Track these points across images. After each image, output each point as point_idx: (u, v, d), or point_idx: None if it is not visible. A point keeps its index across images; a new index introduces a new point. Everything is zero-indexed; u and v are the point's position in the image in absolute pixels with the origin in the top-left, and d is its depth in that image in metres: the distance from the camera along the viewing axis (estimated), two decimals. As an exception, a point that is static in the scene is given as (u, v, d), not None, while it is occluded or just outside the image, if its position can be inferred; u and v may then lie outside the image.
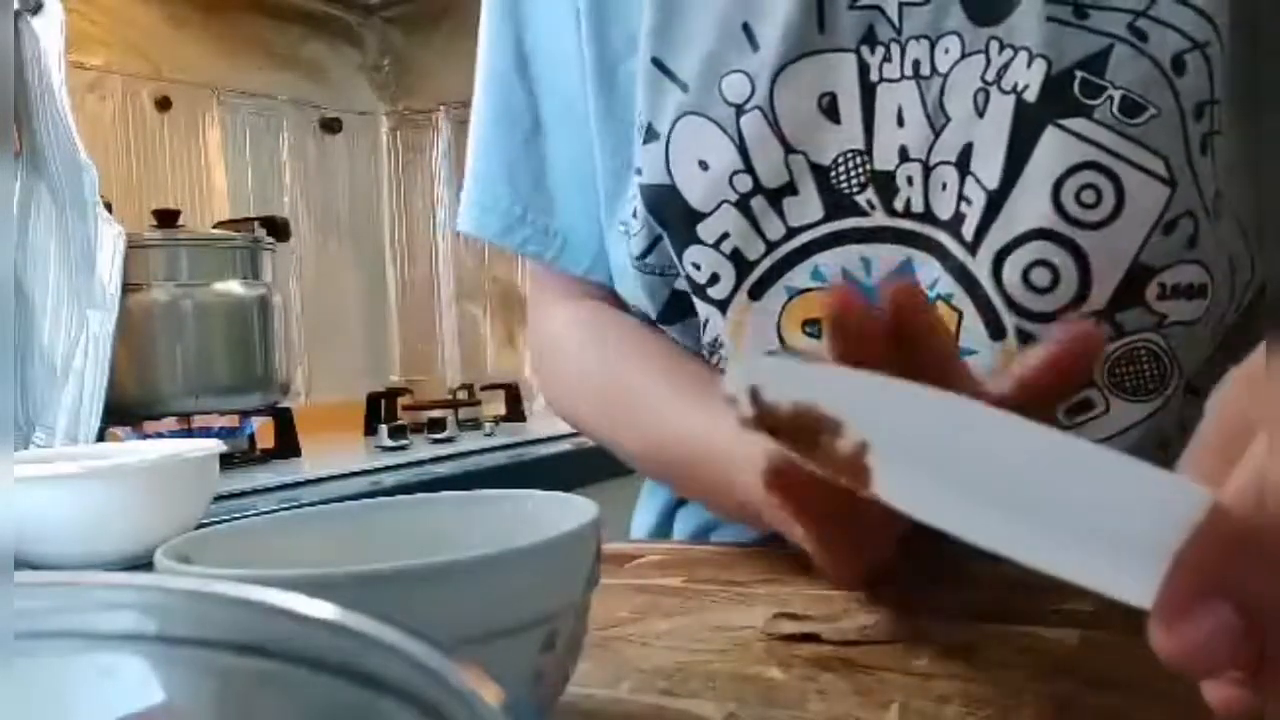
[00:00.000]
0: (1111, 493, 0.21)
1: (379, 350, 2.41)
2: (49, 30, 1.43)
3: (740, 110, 0.59)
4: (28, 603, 0.19)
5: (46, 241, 1.51)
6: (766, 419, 0.22)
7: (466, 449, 1.73)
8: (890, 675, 0.40)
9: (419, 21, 2.35)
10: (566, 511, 0.37)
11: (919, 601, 0.49)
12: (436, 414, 1.88)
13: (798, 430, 0.22)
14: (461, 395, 2.09)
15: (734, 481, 0.54)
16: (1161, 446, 0.59)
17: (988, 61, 0.55)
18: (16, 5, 1.40)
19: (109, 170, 1.77)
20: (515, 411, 2.08)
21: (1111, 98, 0.53)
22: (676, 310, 0.67)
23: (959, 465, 0.22)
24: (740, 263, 0.61)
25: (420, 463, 1.62)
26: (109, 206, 1.53)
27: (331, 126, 2.29)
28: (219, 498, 1.12)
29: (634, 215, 0.65)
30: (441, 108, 2.33)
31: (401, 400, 2.02)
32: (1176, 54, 0.53)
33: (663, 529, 0.77)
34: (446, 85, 2.30)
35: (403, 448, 1.71)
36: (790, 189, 0.59)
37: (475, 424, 1.93)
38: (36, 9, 1.42)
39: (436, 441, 1.79)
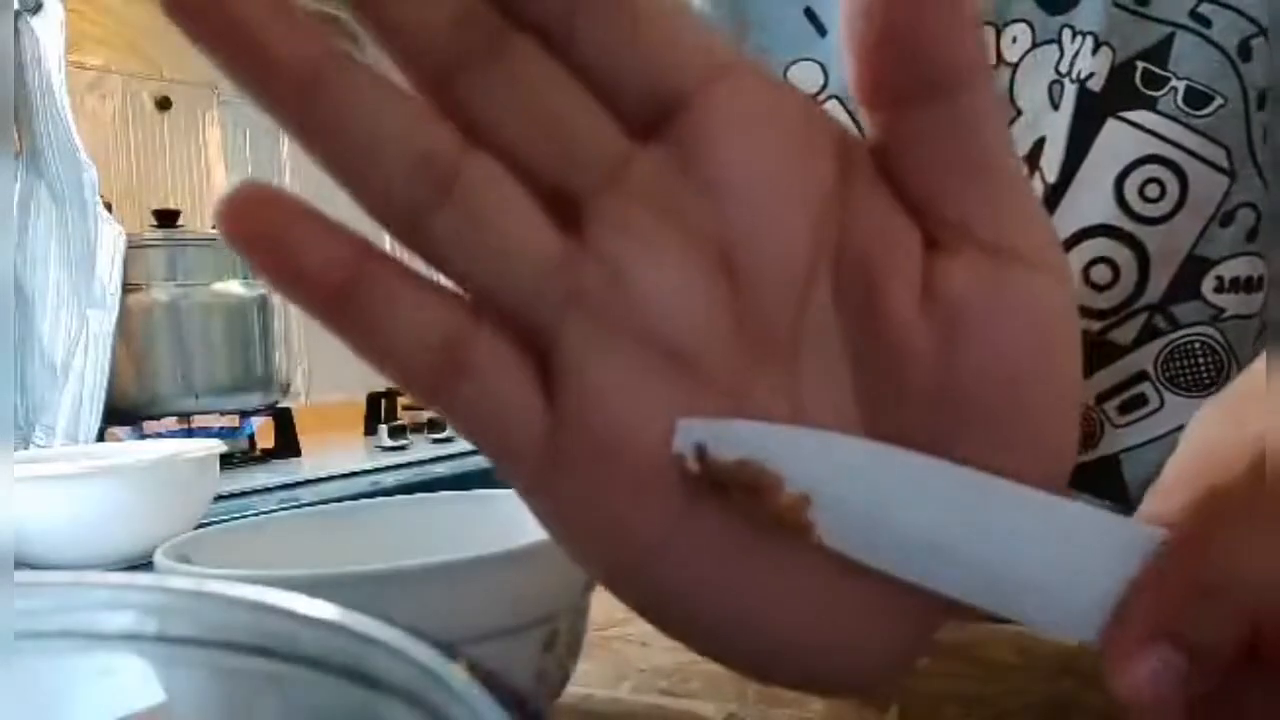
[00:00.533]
0: (1057, 536, 0.23)
1: (379, 350, 2.40)
2: (49, 30, 1.43)
3: (814, 99, 0.57)
4: (28, 603, 0.19)
5: (46, 241, 1.51)
6: (712, 475, 0.23)
7: (466, 449, 1.73)
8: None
9: (419, 21, 2.35)
10: (566, 511, 0.37)
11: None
12: (436, 414, 1.88)
13: (742, 486, 0.23)
14: (461, 395, 2.09)
15: None
16: None
17: (1061, 51, 0.54)
18: (16, 5, 1.40)
19: (109, 170, 1.77)
20: (515, 411, 2.07)
21: (1175, 89, 0.52)
22: None
23: (901, 512, 0.23)
24: None
25: (420, 463, 1.63)
26: (109, 206, 1.53)
27: (331, 126, 2.29)
28: (219, 498, 1.12)
29: None
30: (441, 108, 2.33)
31: (401, 400, 2.02)
32: (1242, 39, 0.52)
33: None
34: (446, 85, 2.30)
35: (403, 448, 1.71)
36: None
37: (475, 424, 1.93)
38: (36, 9, 1.42)
39: (436, 441, 1.79)
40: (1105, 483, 0.56)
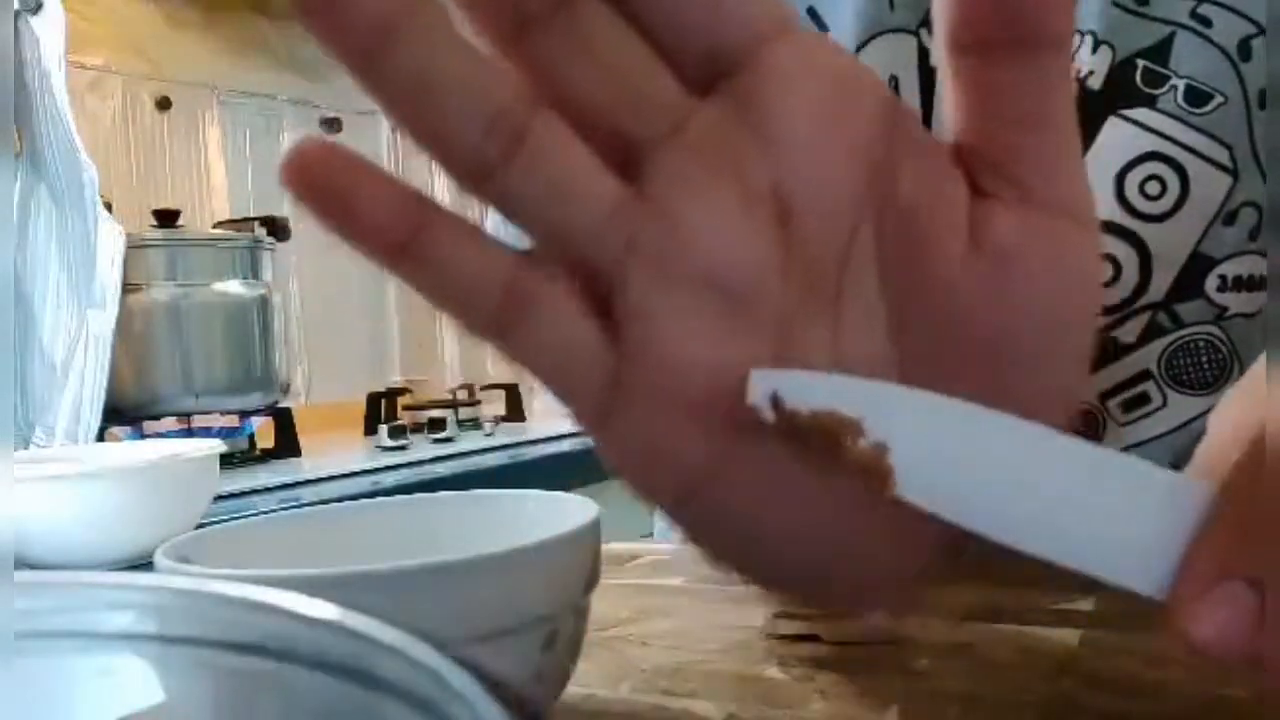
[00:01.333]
0: (1122, 490, 0.23)
1: (379, 350, 2.41)
2: (49, 30, 1.43)
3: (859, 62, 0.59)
4: (28, 603, 0.19)
5: (46, 241, 1.51)
6: (787, 424, 0.24)
7: (466, 449, 1.73)
8: (890, 675, 0.40)
9: (419, 21, 2.35)
10: (566, 511, 0.37)
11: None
12: (436, 414, 1.88)
13: (819, 433, 0.23)
14: (461, 395, 2.09)
15: None
16: None
17: None
18: (16, 5, 1.40)
19: (109, 170, 1.77)
20: (515, 411, 2.08)
21: (1176, 87, 0.52)
22: None
23: (976, 466, 0.23)
24: None
25: (420, 463, 1.62)
26: (109, 206, 1.53)
27: (331, 126, 2.29)
28: (219, 498, 1.12)
29: None
30: (441, 108, 2.33)
31: (401, 400, 2.02)
32: (1243, 39, 0.52)
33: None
34: (446, 85, 2.30)
35: (403, 448, 1.71)
36: None
37: (475, 424, 1.93)
38: (36, 9, 1.42)
39: (436, 441, 1.79)
40: None
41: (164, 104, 1.97)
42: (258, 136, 2.15)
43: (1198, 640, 0.22)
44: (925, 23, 0.57)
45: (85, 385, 1.46)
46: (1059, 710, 0.36)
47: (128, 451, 0.99)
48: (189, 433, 1.59)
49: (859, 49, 0.57)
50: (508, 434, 1.87)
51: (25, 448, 1.42)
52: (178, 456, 0.87)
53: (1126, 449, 0.55)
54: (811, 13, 0.59)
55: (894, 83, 0.58)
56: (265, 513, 0.42)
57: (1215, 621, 0.22)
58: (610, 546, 0.68)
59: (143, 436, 1.53)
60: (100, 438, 1.47)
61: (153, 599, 0.19)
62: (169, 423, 1.61)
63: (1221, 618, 0.22)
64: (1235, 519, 0.22)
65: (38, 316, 1.50)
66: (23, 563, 0.78)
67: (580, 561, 0.34)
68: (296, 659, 0.17)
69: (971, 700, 0.37)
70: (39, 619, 0.19)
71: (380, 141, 2.42)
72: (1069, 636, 0.43)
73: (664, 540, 0.75)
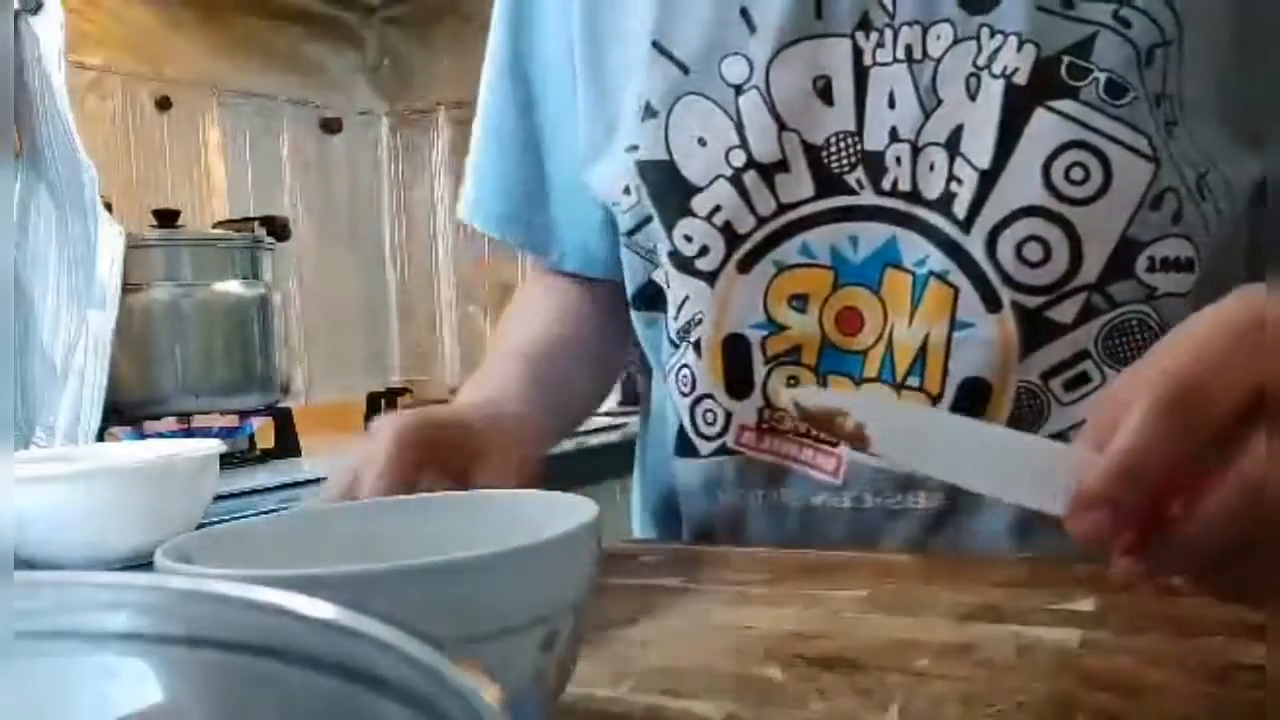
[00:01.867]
0: (1035, 454, 0.37)
1: (379, 350, 2.41)
2: (49, 30, 1.43)
3: (739, 90, 0.63)
4: (28, 603, 0.19)
5: (46, 241, 1.51)
6: (804, 415, 0.38)
7: (466, 449, 1.73)
8: (890, 675, 0.40)
9: (419, 21, 2.35)
10: (566, 511, 0.37)
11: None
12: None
13: (821, 418, 0.37)
14: (461, 395, 2.09)
15: None
16: None
17: (979, 48, 0.58)
18: (16, 5, 1.40)
19: (109, 170, 1.77)
20: (515, 411, 2.08)
21: (1097, 79, 0.56)
22: (647, 298, 0.71)
23: (929, 435, 0.38)
24: (731, 236, 0.64)
25: (420, 463, 1.62)
26: (109, 206, 1.53)
27: (331, 126, 2.29)
28: (219, 498, 1.12)
29: (625, 192, 0.68)
30: (441, 108, 2.33)
31: (401, 400, 2.02)
32: (1150, 46, 0.57)
33: (661, 527, 0.77)
34: (446, 85, 2.30)
35: (403, 448, 1.70)
36: (783, 166, 0.62)
37: (475, 424, 1.93)
38: (36, 9, 1.42)
39: (436, 441, 1.79)
40: None
41: (164, 104, 1.97)
42: (258, 136, 2.15)
43: (1079, 535, 0.34)
44: (860, 25, 0.61)
45: (85, 385, 1.46)
46: (1059, 710, 0.36)
47: (128, 451, 0.99)
48: (189, 433, 1.59)
49: (780, 51, 0.62)
50: (508, 434, 1.87)
51: (25, 448, 1.42)
52: (178, 456, 0.87)
53: (1072, 427, 0.59)
54: (744, 13, 0.63)
55: (825, 82, 0.62)
56: (265, 513, 0.42)
57: (1082, 531, 0.34)
58: (610, 546, 0.68)
59: (143, 436, 1.53)
60: (100, 438, 1.47)
61: (153, 599, 0.19)
62: (169, 423, 1.61)
63: (1087, 528, 0.34)
64: (1093, 469, 0.34)
65: (38, 316, 1.50)
66: (23, 563, 0.78)
67: (580, 561, 0.34)
68: (296, 659, 0.17)
69: (971, 700, 0.37)
70: (39, 619, 0.19)
71: (380, 141, 2.42)
72: (1069, 636, 0.43)
73: (662, 540, 0.75)
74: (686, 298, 0.66)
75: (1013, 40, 0.57)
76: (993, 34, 0.57)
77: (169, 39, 1.98)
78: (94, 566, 0.80)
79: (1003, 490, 0.37)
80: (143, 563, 0.78)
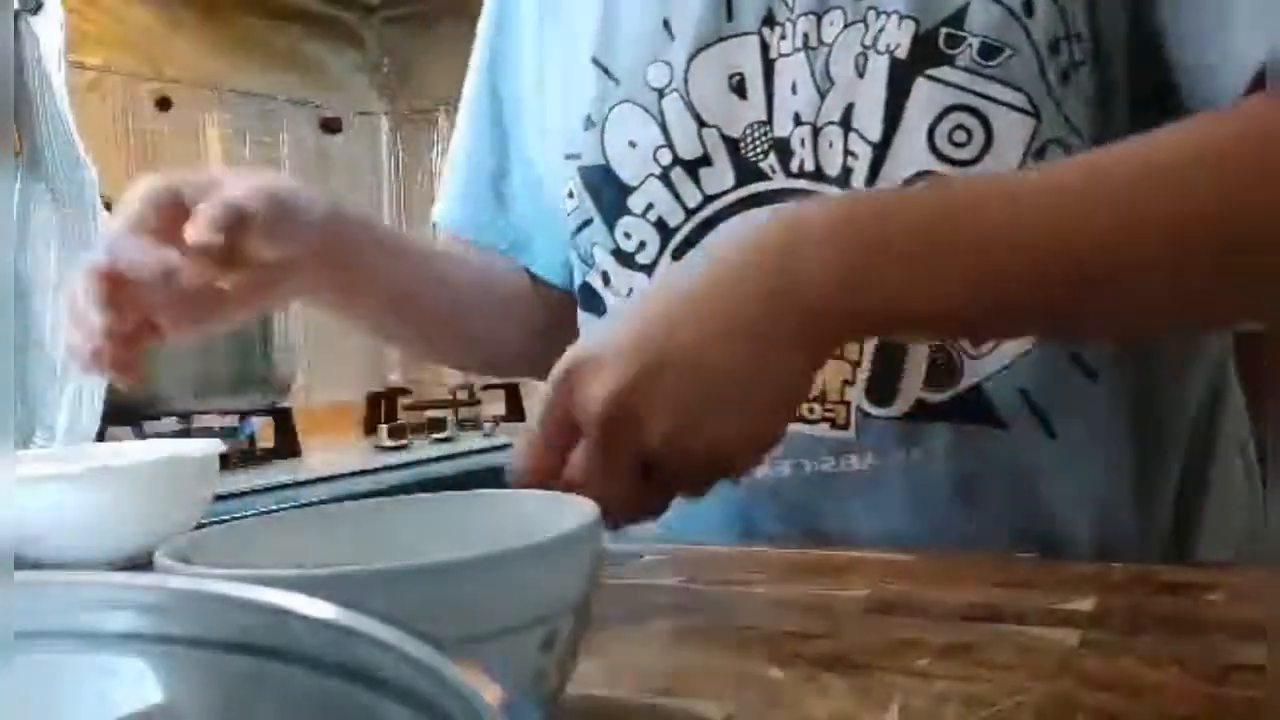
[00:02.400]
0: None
1: (379, 350, 2.41)
2: (49, 30, 1.43)
3: (661, 94, 0.68)
4: (28, 603, 0.19)
5: (46, 241, 1.51)
6: None
7: (466, 449, 1.73)
8: (890, 675, 0.40)
9: (419, 21, 2.35)
10: (566, 511, 0.37)
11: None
12: (436, 414, 1.88)
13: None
14: (461, 395, 2.09)
15: None
16: (1075, 359, 0.63)
17: (866, 28, 0.62)
18: (16, 5, 1.40)
19: (109, 170, 1.77)
20: (515, 411, 2.08)
21: (971, 44, 0.59)
22: (584, 299, 0.75)
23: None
24: (664, 230, 0.68)
25: (420, 463, 1.63)
26: (109, 206, 1.53)
27: (331, 126, 2.29)
28: (219, 498, 1.11)
29: (569, 195, 0.73)
30: (441, 108, 2.33)
31: (401, 400, 2.02)
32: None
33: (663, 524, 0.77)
34: (446, 85, 2.29)
35: (403, 448, 1.71)
36: (705, 160, 0.67)
37: (475, 424, 1.93)
38: (36, 9, 1.42)
39: (436, 441, 1.79)
40: (976, 411, 0.62)
41: (164, 104, 1.97)
42: (258, 136, 2.15)
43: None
44: (766, 21, 0.65)
45: (85, 385, 1.46)
46: (1059, 710, 0.36)
47: (128, 451, 0.99)
48: (189, 433, 1.59)
49: (696, 54, 0.66)
50: (508, 434, 1.87)
51: (25, 448, 1.42)
52: (178, 456, 0.87)
53: (985, 380, 0.62)
54: (665, 24, 0.68)
55: (739, 79, 0.66)
56: (265, 512, 0.42)
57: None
58: (610, 546, 0.68)
59: (143, 436, 1.53)
60: (100, 438, 1.47)
61: (153, 599, 0.19)
62: (169, 423, 1.61)
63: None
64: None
65: (38, 316, 1.50)
66: (23, 563, 0.78)
67: (580, 561, 0.34)
68: (296, 659, 0.17)
69: (971, 700, 0.37)
70: (39, 619, 0.19)
71: (380, 141, 2.42)
72: (1069, 636, 0.43)
73: (661, 540, 0.75)
74: (630, 290, 0.70)
75: (894, 18, 0.60)
76: (878, 15, 0.61)
77: (169, 39, 1.98)
78: (94, 566, 0.80)
79: None
80: (143, 563, 0.78)
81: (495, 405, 2.07)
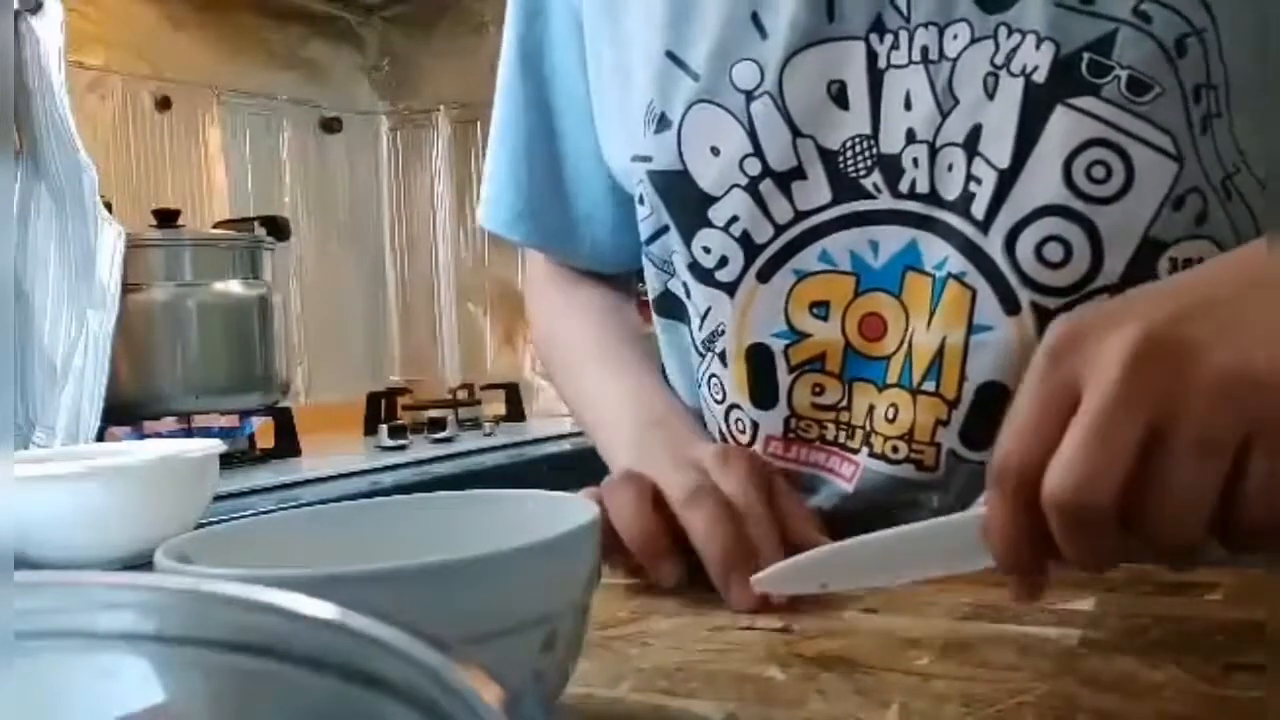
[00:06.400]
0: (952, 530, 0.43)
1: (379, 350, 2.41)
2: (49, 30, 1.43)
3: (750, 97, 0.62)
4: (28, 603, 0.19)
5: (46, 241, 1.51)
6: None
7: (466, 449, 1.73)
8: (890, 675, 0.40)
9: (419, 21, 2.35)
10: (566, 511, 0.37)
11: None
12: (436, 414, 1.88)
13: None
14: (461, 395, 2.09)
15: (615, 460, 0.66)
16: None
17: (996, 46, 0.57)
18: (16, 5, 1.40)
19: (109, 170, 1.77)
20: (515, 411, 2.08)
21: (1119, 77, 0.55)
22: (665, 307, 0.71)
23: (863, 557, 0.46)
24: (749, 246, 0.63)
25: (420, 463, 1.63)
26: (109, 206, 1.53)
27: (331, 126, 2.29)
28: (219, 498, 1.12)
29: (640, 202, 0.68)
30: (441, 108, 2.33)
31: (401, 400, 2.02)
32: (1179, 37, 0.55)
33: None
34: (446, 85, 2.30)
35: (403, 448, 1.71)
36: (799, 173, 0.61)
37: (475, 424, 1.93)
38: (36, 9, 1.42)
39: (436, 441, 1.79)
40: None
41: (164, 104, 1.97)
42: (258, 136, 2.15)
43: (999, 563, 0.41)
44: (874, 28, 0.60)
45: (85, 385, 1.46)
46: (1059, 710, 0.36)
47: (128, 451, 0.99)
48: (189, 433, 1.59)
49: (792, 56, 0.61)
50: (508, 434, 1.87)
51: (25, 448, 1.42)
52: (178, 456, 0.87)
53: None
54: (755, 19, 0.62)
55: (839, 87, 0.61)
56: (265, 512, 0.42)
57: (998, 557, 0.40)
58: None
59: (143, 436, 1.53)
60: (100, 438, 1.47)
61: (153, 599, 0.19)
62: (169, 423, 1.61)
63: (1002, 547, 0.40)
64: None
65: (38, 316, 1.50)
66: (23, 563, 0.78)
67: (580, 561, 0.34)
68: (296, 659, 0.17)
69: (971, 700, 0.37)
70: (39, 619, 0.19)
71: (380, 141, 2.42)
72: (1069, 636, 0.43)
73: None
74: (709, 309, 0.66)
75: (1031, 38, 0.56)
76: (1010, 32, 0.57)
77: (169, 39, 1.98)
78: (94, 566, 0.80)
79: (929, 571, 0.46)
80: (143, 563, 0.78)
81: (495, 405, 2.07)
